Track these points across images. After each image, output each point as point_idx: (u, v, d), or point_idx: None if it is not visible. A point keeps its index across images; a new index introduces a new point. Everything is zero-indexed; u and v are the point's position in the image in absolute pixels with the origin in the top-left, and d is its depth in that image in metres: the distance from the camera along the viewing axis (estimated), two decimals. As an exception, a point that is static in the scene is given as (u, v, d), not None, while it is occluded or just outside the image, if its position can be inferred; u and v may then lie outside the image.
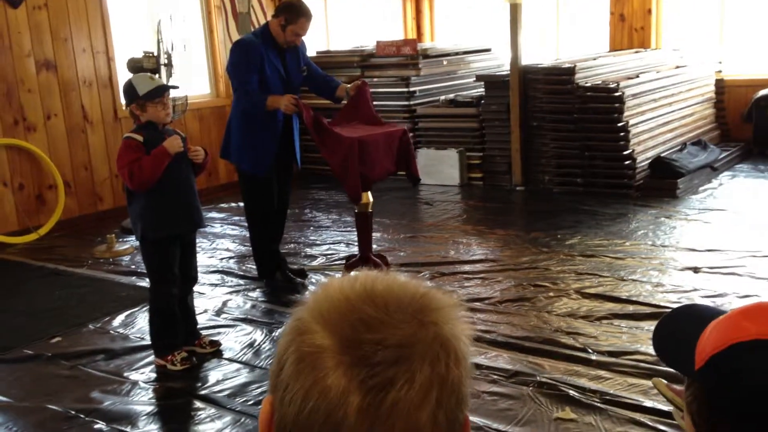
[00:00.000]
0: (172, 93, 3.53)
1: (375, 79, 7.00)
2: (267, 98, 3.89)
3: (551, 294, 3.83)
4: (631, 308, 3.58)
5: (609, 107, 5.83)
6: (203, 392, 3.03)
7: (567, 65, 6.06)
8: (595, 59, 6.53)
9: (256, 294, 4.18)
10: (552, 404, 2.74)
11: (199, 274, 3.57)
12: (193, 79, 6.84)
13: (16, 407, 2.97)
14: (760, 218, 4.96)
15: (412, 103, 6.96)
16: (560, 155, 6.11)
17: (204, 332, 3.51)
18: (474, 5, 8.80)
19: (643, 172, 5.96)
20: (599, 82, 6.00)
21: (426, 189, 6.45)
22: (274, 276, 4.26)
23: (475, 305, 3.73)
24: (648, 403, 2.69)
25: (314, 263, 4.65)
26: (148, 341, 3.40)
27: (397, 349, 0.60)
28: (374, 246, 4.44)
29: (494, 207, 5.87)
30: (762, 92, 6.81)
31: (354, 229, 4.47)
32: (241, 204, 4.60)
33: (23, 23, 5.49)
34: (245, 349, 3.42)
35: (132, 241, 5.09)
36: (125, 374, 3.22)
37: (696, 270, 4.05)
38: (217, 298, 4.11)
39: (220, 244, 5.18)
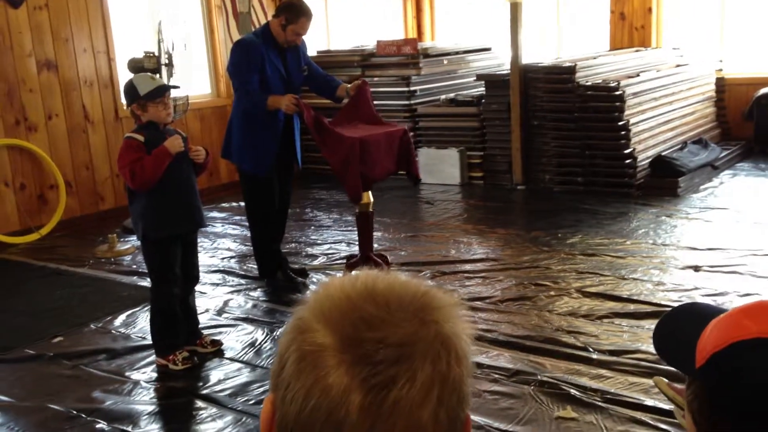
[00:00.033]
0: (173, 93, 3.52)
1: (375, 79, 7.00)
2: (268, 98, 3.90)
3: (552, 293, 3.84)
4: (632, 307, 3.58)
5: (609, 106, 5.83)
6: (204, 392, 3.03)
7: (567, 64, 6.06)
8: (595, 58, 6.53)
9: (257, 293, 4.18)
10: (553, 403, 2.74)
11: (201, 274, 3.58)
12: (194, 79, 6.84)
13: (18, 407, 2.97)
14: (760, 217, 4.95)
15: (412, 102, 6.96)
16: (561, 154, 6.11)
17: (205, 332, 3.52)
18: (474, 4, 8.79)
19: (643, 171, 5.96)
20: (600, 81, 6.00)
21: (427, 188, 6.45)
22: (275, 275, 4.26)
23: (476, 304, 3.73)
24: (649, 402, 2.69)
25: (315, 263, 4.65)
26: (149, 341, 3.41)
27: (399, 348, 0.60)
28: (375, 245, 4.44)
29: (495, 206, 5.87)
30: (763, 90, 6.80)
31: (355, 229, 4.47)
32: (242, 204, 4.60)
33: (24, 23, 5.50)
34: (246, 349, 3.42)
35: (133, 241, 5.09)
36: (127, 374, 3.23)
37: (697, 269, 4.05)
38: (219, 297, 4.11)
39: (221, 244, 5.18)
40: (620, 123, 5.82)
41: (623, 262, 4.24)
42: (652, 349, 2.90)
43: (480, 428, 2.59)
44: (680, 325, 0.90)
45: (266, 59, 3.94)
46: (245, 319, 3.78)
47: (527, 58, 6.27)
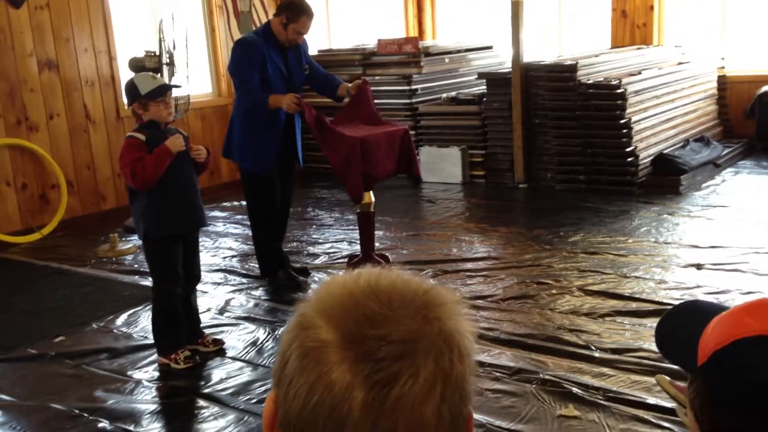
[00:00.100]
0: (174, 92, 3.53)
1: (377, 78, 7.00)
2: (269, 97, 3.89)
3: (554, 291, 3.83)
4: (634, 305, 3.58)
5: (611, 104, 5.82)
6: (206, 391, 3.03)
7: (569, 62, 6.06)
8: (597, 56, 6.51)
9: (258, 292, 4.18)
10: (555, 401, 2.74)
11: (202, 273, 3.58)
12: (195, 78, 6.84)
13: (20, 406, 2.98)
14: (763, 214, 4.94)
15: (414, 101, 6.95)
16: (562, 152, 6.10)
17: (207, 331, 3.52)
18: (475, 3, 8.79)
19: (645, 169, 5.95)
20: (601, 79, 5.99)
21: (428, 187, 6.44)
22: (277, 274, 4.26)
23: (478, 303, 3.73)
24: (651, 400, 2.69)
25: (317, 262, 4.65)
26: (151, 340, 3.41)
27: (401, 345, 0.60)
28: (377, 244, 4.44)
29: (497, 204, 5.86)
30: (765, 88, 6.79)
31: (356, 227, 4.47)
32: (244, 203, 4.60)
33: (25, 23, 5.50)
34: (248, 348, 3.42)
35: (135, 241, 5.10)
36: (129, 373, 3.23)
37: (699, 267, 4.04)
38: (220, 296, 4.11)
39: (222, 243, 5.19)
40: (622, 121, 5.81)
41: (625, 261, 4.23)
42: (654, 347, 2.90)
43: (482, 427, 2.59)
44: (682, 323, 0.90)
45: (267, 58, 3.94)
46: (247, 318, 3.78)
47: (528, 57, 6.27)
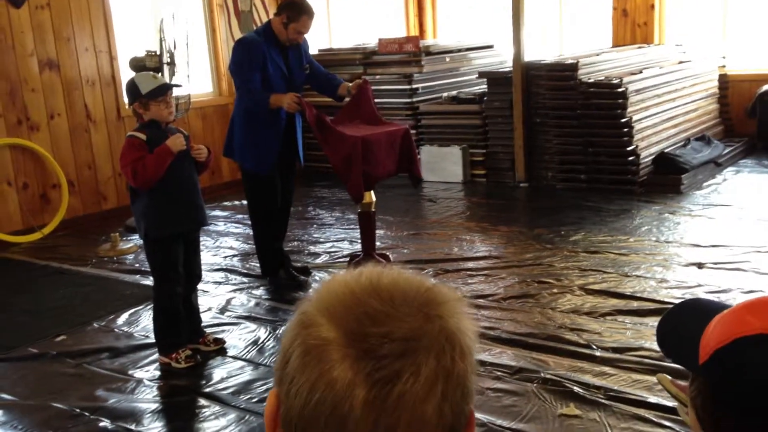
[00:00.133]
0: (175, 91, 3.53)
1: (377, 77, 7.00)
2: (270, 96, 3.89)
3: (555, 290, 3.83)
4: (635, 304, 3.58)
5: (612, 103, 5.82)
6: (207, 390, 3.03)
7: (570, 61, 6.05)
8: (598, 55, 6.51)
9: (259, 292, 4.19)
10: (556, 400, 2.74)
11: (203, 272, 3.58)
12: (195, 77, 6.84)
13: (21, 405, 2.98)
14: (764, 213, 4.94)
15: (414, 100, 6.95)
16: (563, 151, 6.10)
17: (208, 330, 3.52)
18: (476, 2, 8.78)
19: (646, 168, 5.95)
20: (602, 77, 5.99)
21: (429, 186, 6.44)
22: (278, 274, 4.26)
23: (479, 302, 3.73)
24: (652, 399, 2.69)
25: (317, 261, 4.65)
26: (152, 339, 3.41)
27: (403, 343, 0.60)
28: (377, 243, 4.44)
29: (497, 204, 5.86)
30: (766, 87, 6.78)
31: (357, 227, 4.47)
32: (245, 202, 4.60)
33: (26, 23, 5.50)
34: (249, 347, 3.42)
35: (136, 240, 5.10)
36: (130, 372, 3.23)
37: (700, 266, 4.04)
38: (221, 296, 4.11)
39: (223, 242, 5.19)
40: (623, 120, 5.81)
41: (626, 260, 4.23)
42: (655, 346, 2.90)
43: (483, 426, 2.59)
44: (683, 321, 0.90)
45: (268, 58, 3.94)
46: (248, 318, 3.78)
47: (529, 56, 6.26)
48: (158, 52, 5.46)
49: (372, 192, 4.12)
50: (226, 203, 6.33)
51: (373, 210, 4.18)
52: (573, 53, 6.91)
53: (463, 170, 6.56)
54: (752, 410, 0.77)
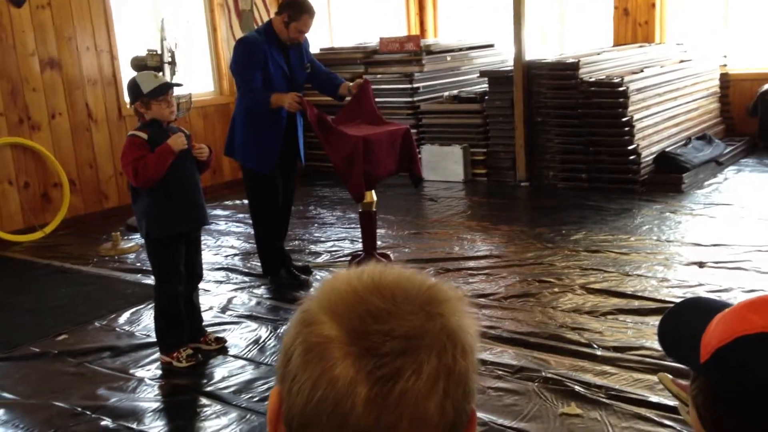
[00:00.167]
0: (176, 91, 3.53)
1: (378, 76, 6.99)
2: (271, 96, 3.90)
3: (556, 289, 3.83)
4: (636, 303, 3.58)
5: (613, 102, 5.82)
6: (209, 389, 3.04)
7: (571, 60, 6.05)
8: (599, 54, 6.51)
9: (260, 291, 4.19)
10: (557, 400, 2.74)
11: (204, 272, 3.58)
12: (196, 76, 6.84)
13: (23, 404, 2.98)
14: (765, 212, 4.94)
15: (415, 99, 6.95)
16: (565, 150, 6.10)
17: (209, 329, 3.52)
18: (477, 1, 8.78)
19: (647, 167, 5.94)
20: (603, 77, 5.99)
21: (430, 185, 6.44)
22: (279, 273, 4.26)
23: (480, 301, 3.73)
24: (653, 398, 2.69)
25: (319, 260, 4.65)
26: (153, 338, 3.41)
27: (405, 340, 0.61)
28: (378, 242, 4.44)
29: (498, 203, 5.86)
30: (767, 86, 6.78)
31: (358, 226, 4.47)
32: (246, 201, 4.60)
33: (27, 22, 5.51)
34: (250, 346, 3.43)
35: (137, 239, 5.10)
36: (131, 371, 3.23)
37: (701, 265, 4.04)
38: (222, 295, 4.12)
39: (224, 242, 5.19)
40: (624, 119, 5.81)
41: (627, 259, 4.23)
42: (656, 345, 2.89)
43: (484, 425, 2.59)
44: (684, 320, 0.89)
45: (269, 57, 3.94)
46: (249, 317, 3.78)
47: (530, 55, 6.26)
48: (159, 52, 5.46)
49: (373, 191, 4.12)
50: (227, 202, 6.33)
51: (374, 209, 4.18)
52: (574, 52, 6.90)
53: (464, 169, 6.56)
54: (754, 409, 0.77)
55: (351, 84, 4.23)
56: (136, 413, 2.86)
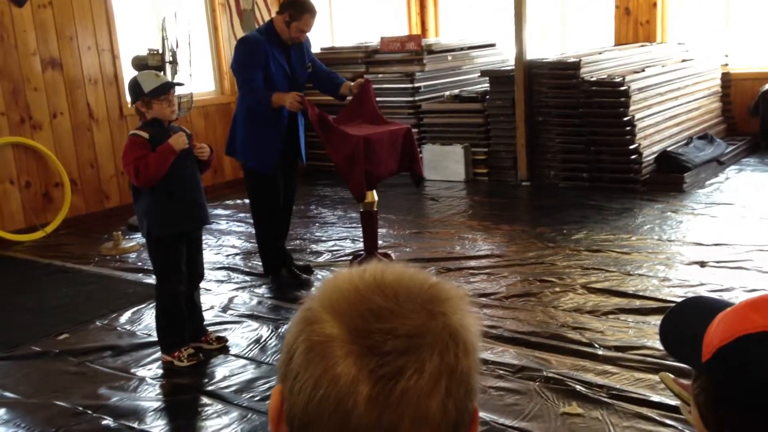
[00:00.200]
0: (177, 90, 3.53)
1: (380, 75, 6.99)
2: (272, 95, 3.90)
3: (557, 289, 3.83)
4: (637, 303, 3.58)
5: (615, 101, 5.81)
6: (210, 388, 3.04)
7: (572, 59, 6.05)
8: (600, 53, 6.50)
9: (262, 290, 4.19)
10: (559, 399, 2.74)
11: (206, 271, 3.58)
12: (198, 76, 6.84)
13: (24, 404, 2.98)
14: (767, 212, 4.93)
15: (416, 98, 6.95)
16: (566, 150, 6.10)
17: (210, 328, 3.52)
18: (478, 1, 8.77)
19: (649, 167, 5.94)
20: (605, 76, 5.98)
21: (431, 185, 6.44)
22: (280, 272, 4.27)
23: (481, 300, 3.73)
24: (655, 398, 2.69)
25: (320, 259, 4.65)
26: (154, 338, 3.41)
27: (407, 339, 0.61)
28: (380, 242, 4.44)
29: (500, 202, 5.86)
30: (768, 86, 6.77)
31: (359, 225, 4.47)
32: (247, 201, 4.60)
33: (28, 22, 5.51)
34: (251, 345, 3.43)
35: (138, 239, 5.10)
36: (132, 370, 3.24)
37: (703, 264, 4.04)
38: (224, 294, 4.12)
39: (226, 241, 5.19)
40: (625, 118, 5.80)
41: (629, 258, 4.23)
42: (657, 344, 2.89)
43: (485, 424, 2.59)
44: (686, 320, 0.89)
45: (270, 56, 3.94)
46: (250, 316, 3.78)
47: (532, 54, 6.26)
48: (160, 51, 5.47)
49: (374, 191, 4.12)
50: (228, 202, 6.33)
51: (376, 209, 4.18)
52: (575, 52, 6.90)
53: (465, 169, 6.56)
54: (756, 408, 0.77)
55: (352, 83, 4.23)
56: (137, 412, 2.86)
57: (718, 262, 4.05)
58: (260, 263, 4.38)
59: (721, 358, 0.80)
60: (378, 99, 4.47)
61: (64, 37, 5.72)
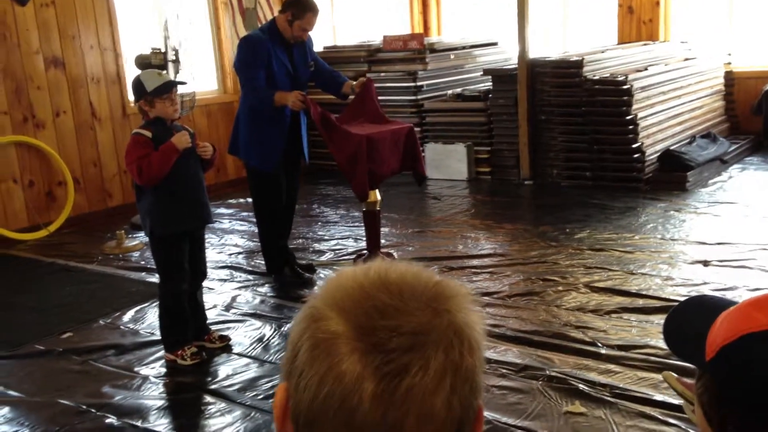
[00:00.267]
0: (180, 89, 3.53)
1: (382, 74, 6.99)
2: (274, 94, 3.90)
3: (560, 288, 3.83)
4: (640, 302, 3.57)
5: (617, 100, 5.81)
6: (213, 387, 3.04)
7: (575, 58, 6.04)
8: (603, 52, 6.50)
9: (264, 289, 4.19)
10: (562, 398, 2.74)
11: (209, 270, 3.59)
12: (200, 75, 6.85)
13: (28, 402, 2.99)
14: (770, 211, 4.93)
15: (419, 97, 6.95)
16: (569, 149, 6.09)
17: (213, 327, 3.53)
18: (480, 0, 8.77)
19: (652, 166, 5.94)
20: (607, 75, 5.98)
21: (434, 184, 6.44)
22: (283, 271, 4.27)
23: (484, 299, 3.73)
24: (658, 397, 2.69)
25: (322, 258, 4.66)
26: (158, 336, 3.42)
27: (412, 336, 0.61)
28: (382, 241, 4.44)
29: (502, 201, 5.86)
30: (771, 84, 6.76)
31: (362, 224, 4.47)
32: (250, 200, 4.61)
33: (31, 21, 5.52)
34: (254, 344, 3.43)
35: (141, 237, 5.11)
36: (136, 369, 3.24)
37: (706, 263, 4.03)
38: (227, 293, 4.12)
39: (228, 240, 5.20)
40: (628, 117, 5.80)
41: (632, 257, 4.22)
42: (660, 344, 2.89)
43: (488, 423, 2.59)
44: (689, 319, 0.89)
45: (273, 55, 3.95)
46: (253, 315, 3.79)
47: (534, 53, 6.25)
48: (163, 50, 5.47)
49: (377, 190, 4.12)
50: (231, 201, 6.34)
51: (378, 208, 4.18)
52: (578, 50, 6.89)
53: (467, 168, 6.55)
54: (759, 406, 0.77)
55: (354, 82, 4.23)
56: (140, 411, 2.86)
57: (721, 261, 4.04)
58: (263, 262, 4.39)
59: (725, 357, 0.80)
60: (380, 98, 4.48)
61: (66, 36, 5.73)
